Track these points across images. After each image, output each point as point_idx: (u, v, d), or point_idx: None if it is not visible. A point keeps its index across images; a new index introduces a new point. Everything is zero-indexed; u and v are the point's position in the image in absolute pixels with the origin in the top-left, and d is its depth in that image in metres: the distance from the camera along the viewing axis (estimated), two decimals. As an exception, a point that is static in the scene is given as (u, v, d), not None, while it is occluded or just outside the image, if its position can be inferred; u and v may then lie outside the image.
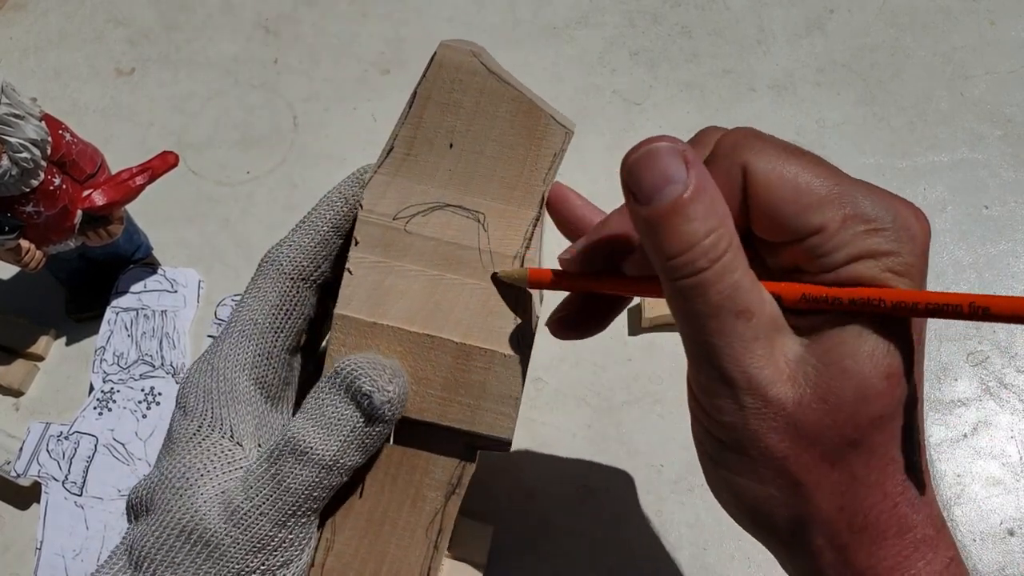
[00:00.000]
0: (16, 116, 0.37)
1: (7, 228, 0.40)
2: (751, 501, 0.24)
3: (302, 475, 0.25)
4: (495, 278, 0.27)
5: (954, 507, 0.41)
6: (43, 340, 0.48)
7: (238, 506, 0.25)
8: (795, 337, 0.24)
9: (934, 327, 0.46)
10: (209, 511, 0.25)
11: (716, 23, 0.58)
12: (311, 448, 0.25)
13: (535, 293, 0.28)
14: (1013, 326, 0.46)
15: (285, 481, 0.25)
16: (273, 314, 0.28)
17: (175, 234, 0.52)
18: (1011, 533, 0.40)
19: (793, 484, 0.23)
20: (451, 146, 0.28)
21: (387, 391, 0.26)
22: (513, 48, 0.58)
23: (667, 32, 0.58)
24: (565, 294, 0.30)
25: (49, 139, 0.39)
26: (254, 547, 0.25)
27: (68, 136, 0.41)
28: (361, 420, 0.26)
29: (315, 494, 0.26)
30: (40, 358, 0.49)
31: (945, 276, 0.47)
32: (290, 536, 0.26)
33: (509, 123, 0.28)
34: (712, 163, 0.24)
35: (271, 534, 0.25)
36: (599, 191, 0.52)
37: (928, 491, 0.24)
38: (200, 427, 0.26)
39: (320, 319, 0.30)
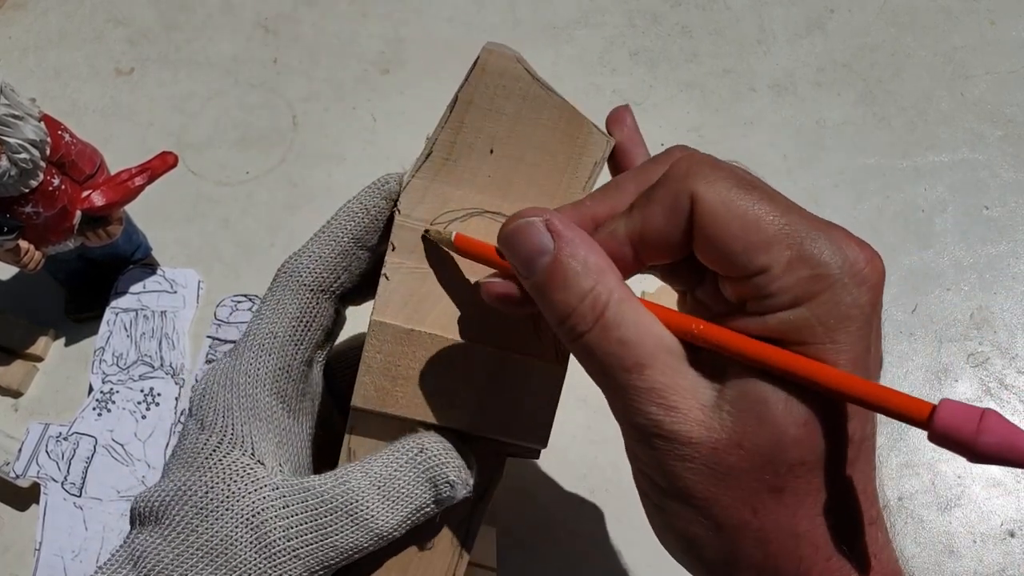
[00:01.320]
0: (15, 116, 0.37)
1: (6, 229, 0.40)
2: (681, 540, 0.24)
3: (352, 538, 0.25)
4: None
5: (955, 508, 0.41)
6: (42, 341, 0.48)
7: (273, 541, 0.24)
8: (707, 381, 0.23)
9: (934, 328, 0.46)
10: (240, 537, 0.24)
11: (716, 23, 0.58)
12: (371, 517, 0.25)
13: None
14: (1014, 327, 0.46)
15: (332, 537, 0.25)
16: (293, 326, 0.27)
17: (174, 234, 0.52)
18: (1011, 534, 0.40)
19: (717, 527, 0.23)
20: (492, 152, 0.27)
21: (468, 485, 0.26)
22: (514, 48, 0.58)
23: (667, 32, 0.58)
24: None
25: (48, 139, 0.39)
26: None
27: (67, 136, 0.41)
28: (431, 503, 0.26)
29: (355, 555, 0.25)
30: (39, 359, 0.49)
31: (945, 277, 0.47)
32: None
33: (551, 130, 0.27)
34: (660, 187, 0.24)
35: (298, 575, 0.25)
36: (599, 191, 0.52)
37: (870, 552, 0.23)
38: (220, 443, 0.26)
39: (334, 327, 0.30)
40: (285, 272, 0.28)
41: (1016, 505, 0.41)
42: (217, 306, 0.48)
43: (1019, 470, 0.42)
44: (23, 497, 0.44)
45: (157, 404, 0.45)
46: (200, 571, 0.24)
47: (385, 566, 0.28)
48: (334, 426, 0.29)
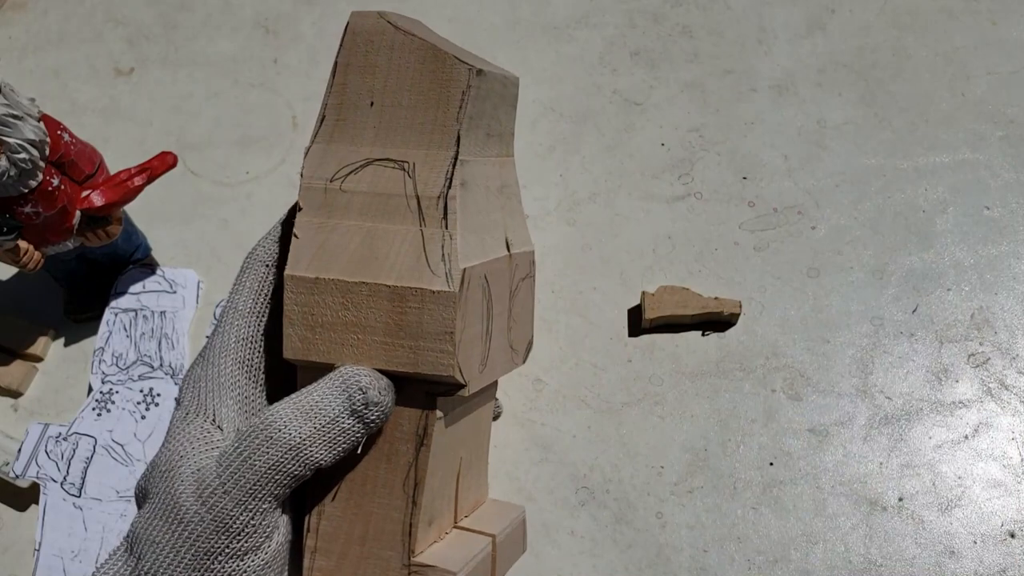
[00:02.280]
0: (14, 116, 0.37)
1: (6, 229, 0.40)
2: None
3: (267, 453, 0.26)
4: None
5: (955, 509, 0.41)
6: (42, 341, 0.48)
7: (208, 483, 0.26)
8: None
9: (935, 328, 0.46)
10: (185, 490, 0.26)
11: (717, 23, 0.58)
12: (283, 427, 0.26)
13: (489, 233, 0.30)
14: (1015, 328, 0.46)
15: (250, 459, 0.26)
16: (252, 299, 0.30)
17: (174, 234, 0.52)
18: (1012, 535, 0.40)
19: None
20: (371, 104, 0.30)
21: (381, 394, 0.27)
22: (513, 48, 0.58)
23: (668, 32, 0.58)
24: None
25: (47, 139, 0.39)
26: (218, 527, 0.26)
27: (67, 136, 0.41)
28: (344, 412, 0.27)
29: (276, 477, 0.26)
30: (39, 359, 0.49)
31: (946, 278, 0.47)
32: (252, 521, 0.26)
33: (419, 71, 0.30)
34: None
35: (233, 514, 0.26)
36: (599, 191, 0.52)
37: None
38: (187, 414, 0.28)
39: None
40: (247, 257, 0.31)
41: (1016, 506, 0.41)
42: (216, 306, 0.48)
43: (1018, 470, 0.42)
44: (23, 497, 0.44)
45: (156, 404, 0.45)
46: (158, 529, 0.26)
47: (349, 519, 0.29)
48: None
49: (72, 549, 0.41)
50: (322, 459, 0.27)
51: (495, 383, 0.33)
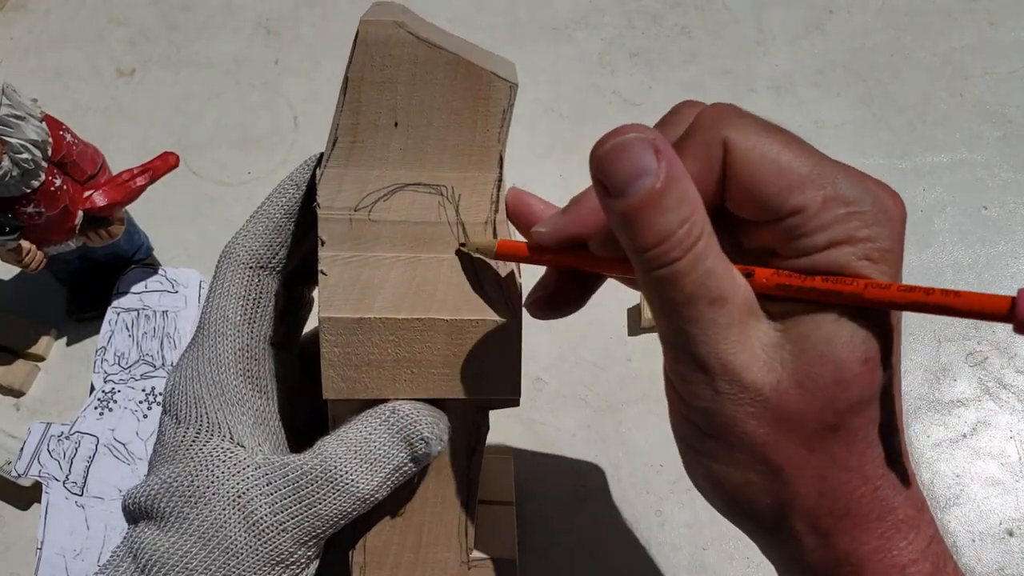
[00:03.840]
0: (17, 117, 0.37)
1: (8, 229, 0.40)
2: (731, 489, 0.24)
3: (335, 504, 0.25)
4: (460, 252, 0.27)
5: (953, 507, 0.41)
6: (44, 340, 0.48)
7: (261, 518, 0.25)
8: (769, 322, 0.23)
9: (933, 328, 0.46)
10: (229, 518, 0.25)
11: (715, 24, 0.58)
12: (351, 481, 0.25)
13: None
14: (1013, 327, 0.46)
15: (315, 507, 0.25)
16: (243, 306, 0.28)
17: (176, 234, 0.52)
18: (1010, 533, 0.41)
19: (773, 470, 0.23)
20: (396, 124, 0.27)
21: (442, 440, 0.26)
22: (513, 48, 0.58)
23: (666, 33, 0.58)
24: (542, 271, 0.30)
25: (50, 140, 0.39)
26: (271, 560, 0.25)
27: (69, 137, 0.41)
28: (408, 462, 0.26)
29: (341, 522, 0.26)
30: (41, 358, 0.49)
31: (944, 277, 0.47)
32: (308, 554, 0.26)
33: (450, 88, 0.27)
34: (691, 137, 0.24)
35: (290, 550, 0.25)
36: (599, 191, 0.52)
37: (908, 473, 0.24)
38: (198, 433, 0.26)
39: (294, 308, 0.31)
40: (224, 255, 0.29)
41: (1015, 504, 0.41)
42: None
43: (1016, 468, 0.42)
44: (25, 496, 0.44)
45: (159, 404, 0.45)
46: (195, 556, 0.24)
47: (400, 531, 0.29)
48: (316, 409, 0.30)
49: (74, 548, 0.41)
50: (382, 498, 0.26)
51: None
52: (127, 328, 0.47)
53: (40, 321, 0.49)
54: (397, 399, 0.27)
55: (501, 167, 0.27)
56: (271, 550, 0.25)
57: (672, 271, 0.22)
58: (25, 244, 0.42)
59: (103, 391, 0.45)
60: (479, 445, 0.28)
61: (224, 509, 0.25)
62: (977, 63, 0.55)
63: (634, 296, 0.48)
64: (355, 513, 0.26)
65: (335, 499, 0.25)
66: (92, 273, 0.48)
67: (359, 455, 0.26)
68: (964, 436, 0.43)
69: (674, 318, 0.23)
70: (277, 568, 0.25)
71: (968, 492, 0.42)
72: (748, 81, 0.55)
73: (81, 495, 0.43)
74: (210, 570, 0.24)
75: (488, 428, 0.29)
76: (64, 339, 0.49)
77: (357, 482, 0.25)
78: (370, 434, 0.26)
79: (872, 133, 0.53)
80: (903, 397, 0.44)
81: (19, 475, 0.43)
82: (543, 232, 0.26)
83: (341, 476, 0.25)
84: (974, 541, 0.40)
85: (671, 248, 0.22)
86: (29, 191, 0.39)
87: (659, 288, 0.23)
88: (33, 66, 0.60)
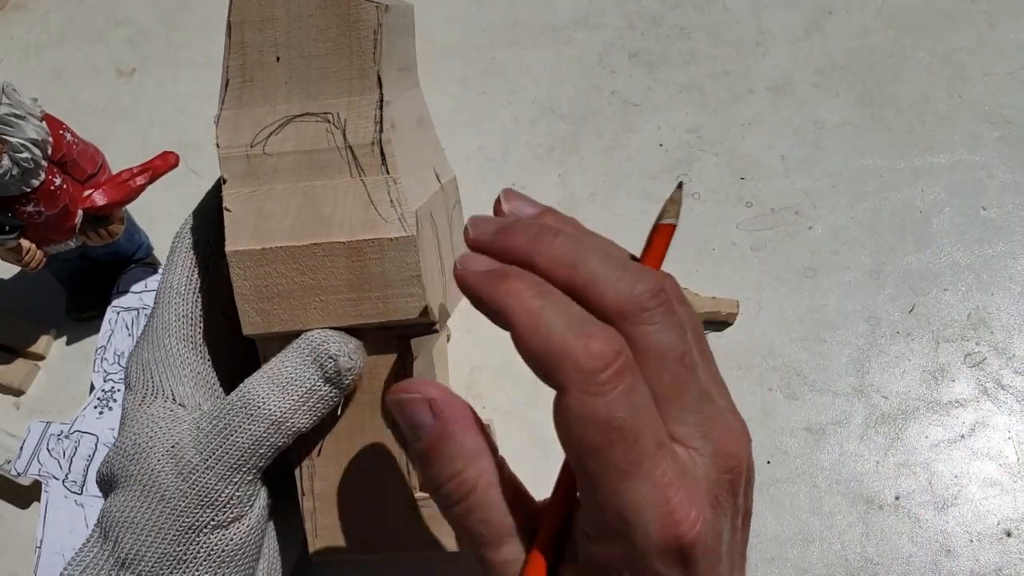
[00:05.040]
0: (17, 116, 0.37)
1: (8, 228, 0.40)
2: None
3: (250, 430, 0.26)
4: (358, 180, 0.28)
5: (951, 508, 0.41)
6: (44, 339, 0.49)
7: (188, 460, 0.26)
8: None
9: (931, 328, 0.46)
10: (163, 468, 0.26)
11: (715, 25, 0.58)
12: (263, 403, 0.26)
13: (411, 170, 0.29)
14: (1011, 328, 0.46)
15: (232, 436, 0.26)
16: (187, 276, 0.30)
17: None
18: (1008, 534, 0.41)
19: None
20: (278, 59, 0.28)
21: (351, 358, 0.27)
22: (513, 48, 0.58)
23: (666, 33, 0.58)
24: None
25: (50, 139, 0.39)
26: (202, 501, 0.26)
27: (69, 136, 0.41)
28: (319, 381, 0.27)
29: (260, 451, 0.26)
30: (41, 357, 0.49)
31: (943, 278, 0.47)
32: (237, 493, 0.26)
33: (323, 17, 0.28)
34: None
35: (217, 488, 0.26)
36: (598, 192, 0.52)
37: None
38: (144, 397, 0.28)
39: None
40: (176, 235, 0.31)
41: (1013, 505, 0.41)
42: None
43: (1014, 469, 0.42)
44: (24, 495, 0.45)
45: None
46: (136, 509, 0.26)
47: (345, 474, 0.29)
48: None
49: (74, 547, 0.42)
50: (303, 426, 0.27)
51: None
52: (127, 327, 0.47)
53: (40, 320, 0.49)
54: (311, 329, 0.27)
55: (381, 88, 0.28)
56: (199, 491, 0.26)
57: (450, 516, 0.24)
58: (25, 243, 0.42)
59: (103, 390, 0.45)
60: (408, 373, 0.28)
61: (159, 460, 0.26)
62: (976, 64, 0.55)
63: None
64: (275, 440, 0.26)
65: (249, 425, 0.26)
66: (92, 272, 0.48)
67: (271, 379, 0.27)
68: (962, 437, 0.43)
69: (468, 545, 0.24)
70: (208, 510, 0.26)
71: (966, 493, 0.42)
72: (747, 82, 0.55)
73: (81, 494, 0.43)
74: (153, 521, 0.26)
75: (413, 360, 0.28)
76: (64, 338, 0.49)
77: (268, 405, 0.26)
78: (283, 359, 0.27)
79: (871, 134, 0.53)
80: (902, 397, 0.45)
81: (19, 474, 0.43)
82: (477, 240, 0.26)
83: (253, 401, 0.26)
84: (972, 542, 0.40)
85: (444, 498, 0.24)
86: (29, 190, 0.39)
87: (450, 524, 0.25)
88: (33, 65, 0.60)
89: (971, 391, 0.44)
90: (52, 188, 0.40)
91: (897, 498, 0.42)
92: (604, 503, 0.21)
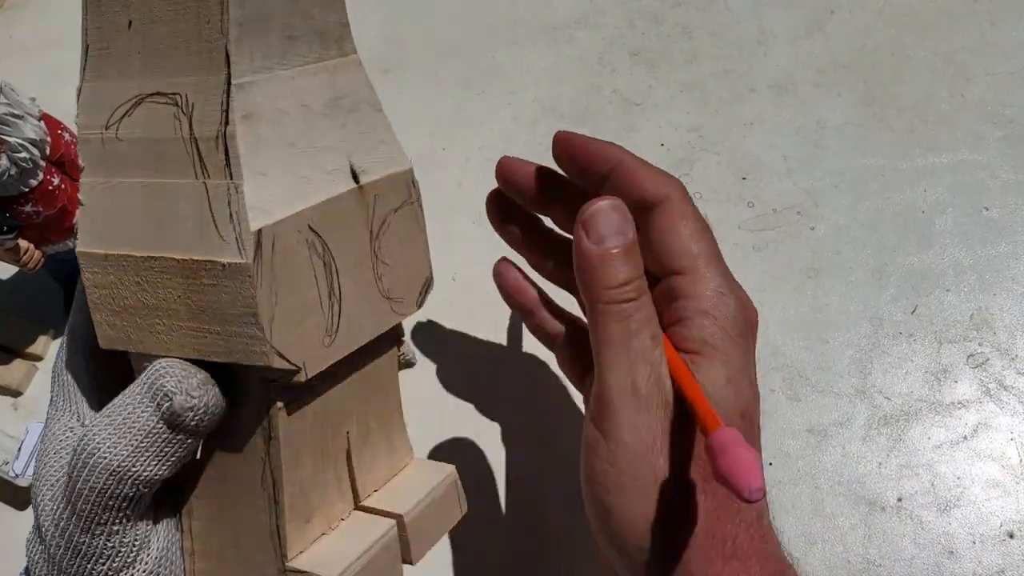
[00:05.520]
0: (15, 116, 0.37)
1: (6, 228, 0.40)
2: (626, 525, 0.27)
3: (90, 481, 0.22)
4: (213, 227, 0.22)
5: (954, 509, 0.41)
6: (42, 340, 0.48)
7: (58, 506, 0.23)
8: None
9: (934, 329, 0.46)
10: (45, 507, 0.24)
11: (716, 23, 0.58)
12: (98, 450, 0.22)
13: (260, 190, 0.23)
14: (1014, 329, 0.46)
15: (77, 486, 0.22)
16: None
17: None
18: (1011, 535, 0.40)
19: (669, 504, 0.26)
20: (130, 24, 0.23)
21: (192, 396, 0.22)
22: (513, 48, 0.58)
23: (667, 32, 0.58)
24: None
25: (48, 139, 0.39)
26: (75, 553, 0.23)
27: (67, 136, 0.41)
28: (160, 424, 0.22)
29: (108, 502, 0.22)
30: (39, 358, 0.49)
31: (945, 278, 0.47)
32: (108, 543, 0.23)
33: None
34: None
35: (82, 540, 0.23)
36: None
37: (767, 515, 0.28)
38: (56, 411, 0.25)
39: None
40: None
41: (1015, 506, 0.41)
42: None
43: (1017, 470, 0.42)
44: (22, 496, 0.44)
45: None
46: (35, 552, 0.24)
47: (218, 532, 0.24)
48: None
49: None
50: (155, 474, 0.22)
51: (395, 329, 0.27)
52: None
53: (38, 321, 0.49)
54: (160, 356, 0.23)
55: (229, 66, 0.22)
56: (67, 542, 0.23)
57: (626, 308, 0.27)
58: (23, 243, 0.42)
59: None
60: (273, 431, 0.23)
61: (43, 497, 0.24)
62: (979, 63, 0.54)
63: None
64: (121, 491, 0.22)
65: (88, 475, 0.22)
66: None
67: (110, 420, 0.22)
68: (965, 438, 0.43)
69: (617, 345, 0.28)
70: (86, 561, 0.23)
71: (969, 494, 0.41)
72: (749, 81, 0.55)
73: (78, 495, 0.42)
74: (45, 567, 0.24)
75: (282, 408, 0.23)
76: (62, 339, 0.49)
77: (103, 451, 0.22)
78: (123, 397, 0.23)
79: (873, 133, 0.52)
80: (904, 398, 0.44)
81: (16, 475, 0.43)
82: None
83: (87, 448, 0.22)
84: (975, 543, 0.40)
85: (629, 291, 0.27)
86: (27, 190, 0.39)
87: (612, 320, 0.28)
88: (32, 65, 0.60)
89: (974, 392, 0.44)
90: (50, 188, 0.40)
91: (899, 500, 0.41)
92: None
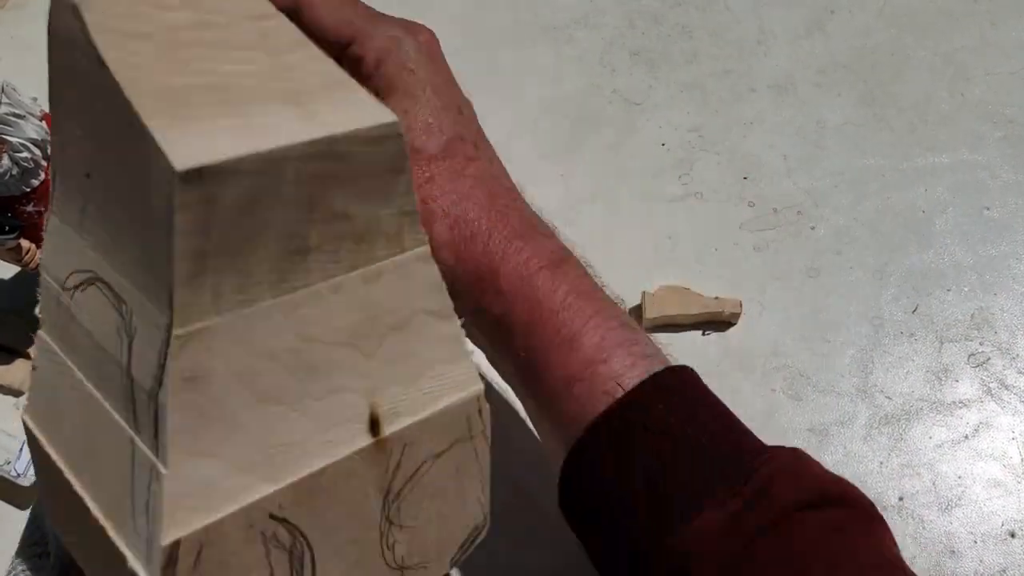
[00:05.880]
0: (17, 115, 0.37)
1: (7, 228, 0.40)
2: None
3: None
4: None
5: (955, 509, 0.41)
6: (43, 340, 0.48)
7: None
8: None
9: (935, 328, 0.46)
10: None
11: (716, 23, 0.58)
12: None
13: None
14: (1015, 328, 0.46)
15: None
16: None
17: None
18: (1012, 535, 0.40)
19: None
20: (87, 176, 0.18)
21: None
22: (514, 48, 0.58)
23: (667, 32, 0.58)
24: None
25: (49, 138, 0.39)
26: None
27: None
28: None
29: None
30: (40, 358, 0.49)
31: (946, 278, 0.47)
32: None
33: (123, 135, 0.16)
34: None
35: None
36: (600, 191, 0.52)
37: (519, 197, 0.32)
38: None
39: None
40: None
41: (1017, 505, 0.41)
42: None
43: (1018, 470, 0.42)
44: (24, 496, 0.44)
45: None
46: None
47: None
48: None
49: (73, 548, 0.41)
50: None
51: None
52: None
53: (39, 321, 0.49)
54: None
55: (172, 312, 0.16)
56: None
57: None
58: (24, 243, 0.42)
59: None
60: None
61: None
62: (979, 63, 0.54)
63: (634, 296, 0.47)
64: None
65: None
66: None
67: None
68: (966, 437, 0.43)
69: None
70: None
71: (970, 494, 0.41)
72: (749, 81, 0.55)
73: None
74: None
75: None
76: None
77: None
78: None
79: (873, 133, 0.52)
80: (905, 397, 0.44)
81: (18, 475, 0.43)
82: None
83: None
84: (976, 543, 0.40)
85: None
86: (29, 190, 0.39)
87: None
88: (33, 65, 0.60)
89: (975, 392, 0.44)
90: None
91: (901, 499, 0.41)
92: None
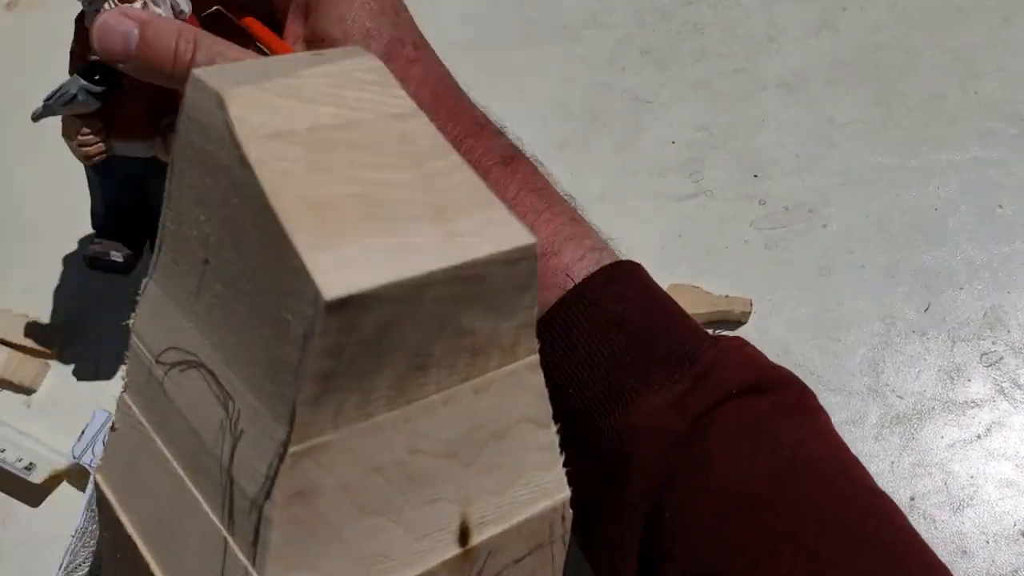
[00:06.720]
0: None
1: (98, 78, 0.33)
2: None
3: None
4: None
5: (967, 508, 0.41)
6: (55, 338, 0.49)
7: None
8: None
9: (947, 327, 0.46)
10: None
11: (727, 21, 0.58)
12: None
13: None
14: (1027, 326, 0.45)
15: None
16: None
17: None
18: (1025, 535, 0.40)
19: None
20: (206, 262, 0.18)
21: None
22: (524, 48, 0.58)
23: (677, 30, 0.57)
24: None
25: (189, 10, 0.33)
26: None
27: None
28: None
29: None
30: (51, 356, 0.49)
31: (958, 276, 0.47)
32: None
33: (258, 241, 0.16)
34: None
35: None
36: (609, 189, 0.52)
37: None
38: None
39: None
40: None
41: (1029, 505, 0.41)
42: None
43: (1032, 470, 0.42)
44: (37, 493, 0.45)
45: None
46: None
47: None
48: None
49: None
50: None
51: None
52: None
53: (51, 319, 0.49)
54: None
55: (291, 428, 0.15)
56: None
57: (195, 64, 0.27)
58: (90, 134, 0.35)
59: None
60: None
61: None
62: (990, 60, 0.54)
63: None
64: None
65: None
66: (136, 210, 0.41)
67: None
68: (978, 437, 0.43)
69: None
70: None
71: (982, 493, 0.41)
72: (759, 79, 0.55)
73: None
74: None
75: None
76: (74, 336, 0.50)
77: None
78: None
79: (884, 131, 0.52)
80: (917, 396, 0.44)
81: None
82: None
83: None
84: (988, 543, 0.40)
85: (183, 51, 0.27)
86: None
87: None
88: (46, 63, 0.60)
89: (987, 391, 0.44)
90: None
91: (912, 499, 0.41)
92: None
